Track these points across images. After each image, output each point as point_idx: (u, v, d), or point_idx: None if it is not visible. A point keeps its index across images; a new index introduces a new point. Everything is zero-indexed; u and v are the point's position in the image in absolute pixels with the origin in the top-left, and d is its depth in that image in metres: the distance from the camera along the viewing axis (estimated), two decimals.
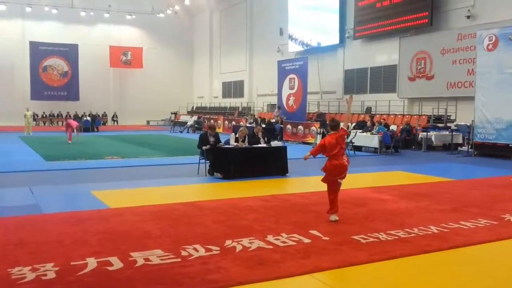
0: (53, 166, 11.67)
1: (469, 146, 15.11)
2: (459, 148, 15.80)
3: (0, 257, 4.45)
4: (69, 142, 18.56)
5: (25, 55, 34.34)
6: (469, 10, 17.50)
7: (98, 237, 5.13)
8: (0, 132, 24.65)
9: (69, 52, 35.40)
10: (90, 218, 6.03)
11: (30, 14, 34.12)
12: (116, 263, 4.26)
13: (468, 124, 15.35)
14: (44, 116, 36.15)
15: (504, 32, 13.72)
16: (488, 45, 14.12)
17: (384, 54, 21.75)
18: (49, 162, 12.42)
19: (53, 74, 35.45)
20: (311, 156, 6.16)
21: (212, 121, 26.13)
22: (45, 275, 3.96)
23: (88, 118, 29.73)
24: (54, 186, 8.82)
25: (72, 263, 4.25)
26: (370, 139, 15.90)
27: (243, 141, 10.39)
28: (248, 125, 22.20)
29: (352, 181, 9.55)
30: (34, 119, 33.10)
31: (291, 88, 23.16)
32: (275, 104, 26.19)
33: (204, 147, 10.05)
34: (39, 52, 34.60)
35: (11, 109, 31.90)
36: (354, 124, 19.48)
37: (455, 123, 17.12)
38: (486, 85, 14.15)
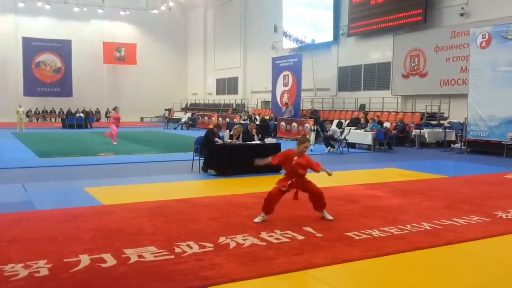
0: (46, 162, 11.60)
1: (462, 143, 15.21)
2: (452, 145, 15.89)
3: None
4: (114, 143, 16.37)
5: (18, 51, 34.05)
6: (462, 8, 17.58)
7: (91, 234, 5.11)
8: None
9: (62, 48, 35.15)
10: (83, 215, 6.01)
11: (23, 10, 33.84)
12: (110, 260, 4.24)
13: (461, 121, 15.44)
14: (37, 112, 35.90)
15: (497, 29, 13.80)
16: (481, 42, 14.19)
17: (378, 51, 21.81)
18: (42, 158, 12.35)
19: (46, 70, 35.18)
20: None
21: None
22: (38, 272, 3.94)
23: (82, 115, 29.58)
24: (47, 182, 8.77)
25: (65, 260, 4.23)
26: (363, 136, 15.96)
27: (237, 138, 10.40)
28: (242, 121, 22.20)
29: (345, 178, 9.60)
30: (27, 116, 32.89)
31: (285, 85, 23.16)
32: (269, 101, 26.18)
33: (218, 142, 9.95)
34: (32, 48, 34.31)
35: (3, 105, 31.65)
36: (348, 121, 19.56)
37: (448, 121, 17.22)
38: (479, 83, 14.23)
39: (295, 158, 5.72)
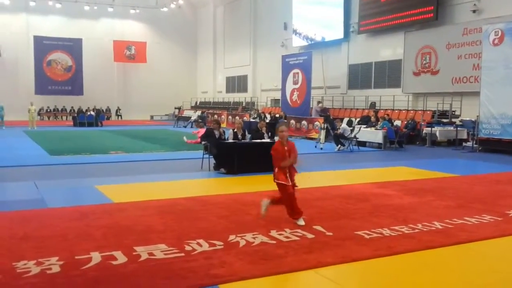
0: (57, 160, 11.71)
1: (474, 142, 15.04)
2: (464, 144, 15.73)
3: (5, 251, 4.48)
4: (187, 142, 16.14)
5: (30, 50, 34.39)
6: (475, 5, 17.36)
7: (102, 232, 5.15)
8: (5, 126, 24.74)
9: (73, 47, 35.42)
10: (94, 213, 6.05)
11: (34, 9, 34.16)
12: (120, 258, 4.27)
13: (473, 119, 15.26)
14: (49, 110, 36.26)
15: (510, 26, 13.59)
16: (494, 39, 14.00)
17: (389, 48, 21.63)
18: (54, 156, 12.47)
19: (57, 68, 35.51)
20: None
21: (216, 116, 26.12)
22: (50, 269, 3.99)
23: (92, 113, 29.84)
24: (58, 180, 8.85)
25: (76, 257, 4.27)
26: (374, 134, 15.85)
27: (243, 135, 10.36)
28: (252, 120, 22.19)
29: (356, 176, 9.56)
30: (39, 114, 33.23)
31: (295, 83, 23.08)
32: (279, 99, 26.11)
33: (203, 142, 10.09)
34: (43, 46, 34.64)
35: (15, 104, 31.91)
36: (358, 119, 19.45)
37: (460, 119, 17.04)
38: (492, 80, 14.05)
39: (285, 148, 5.62)
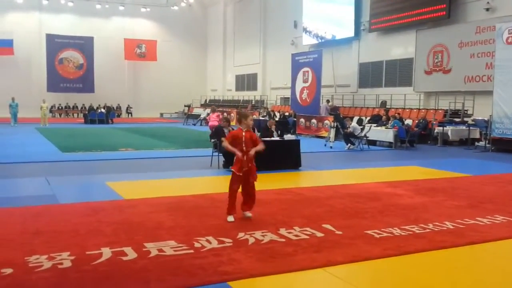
0: (68, 157, 11.83)
1: (487, 141, 14.87)
2: (476, 143, 15.56)
3: (17, 246, 4.54)
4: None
5: (42, 48, 34.74)
6: (488, 3, 17.14)
7: (112, 228, 5.19)
8: (17, 123, 25.02)
9: (85, 45, 35.71)
10: (105, 209, 6.10)
11: (46, 7, 34.52)
12: (130, 253, 4.30)
13: (485, 119, 15.09)
14: (60, 108, 36.60)
15: None
16: (507, 38, 13.82)
17: (400, 47, 21.46)
18: (65, 153, 12.59)
19: (69, 66, 35.83)
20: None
21: (225, 113, 26.12)
22: (61, 263, 4.03)
23: (103, 110, 30.06)
24: (69, 176, 8.94)
25: (87, 252, 4.31)
26: (385, 133, 15.75)
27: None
28: (261, 118, 22.17)
29: (366, 176, 9.51)
30: (51, 111, 33.55)
31: (305, 81, 23.00)
32: (289, 98, 26.06)
33: (212, 140, 10.10)
34: (55, 44, 34.98)
35: (28, 101, 32.25)
36: (368, 118, 19.34)
37: (472, 118, 16.85)
38: (505, 79, 13.87)
39: (243, 134, 5.71)
